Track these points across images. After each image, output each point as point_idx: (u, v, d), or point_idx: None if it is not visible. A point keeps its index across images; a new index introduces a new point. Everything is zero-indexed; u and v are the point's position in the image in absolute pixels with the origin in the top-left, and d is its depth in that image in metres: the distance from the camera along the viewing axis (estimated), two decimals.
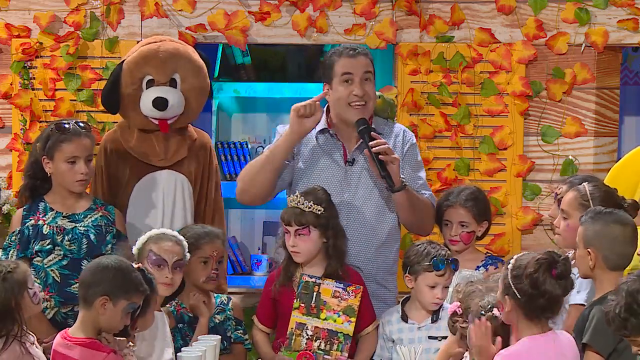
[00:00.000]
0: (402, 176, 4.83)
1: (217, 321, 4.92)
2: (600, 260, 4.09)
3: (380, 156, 4.76)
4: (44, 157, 4.93)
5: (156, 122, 5.23)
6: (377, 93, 5.20)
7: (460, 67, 5.89)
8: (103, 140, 5.41)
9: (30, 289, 4.08)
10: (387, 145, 4.79)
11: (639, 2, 5.86)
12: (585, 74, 5.91)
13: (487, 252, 5.40)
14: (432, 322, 4.71)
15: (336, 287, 4.70)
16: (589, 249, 4.12)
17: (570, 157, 5.93)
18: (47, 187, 4.99)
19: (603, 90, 5.94)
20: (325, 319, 4.69)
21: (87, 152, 4.93)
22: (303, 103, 4.85)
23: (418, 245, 4.77)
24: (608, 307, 3.71)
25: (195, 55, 5.35)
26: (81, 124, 4.97)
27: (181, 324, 4.83)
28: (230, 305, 5.00)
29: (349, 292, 4.70)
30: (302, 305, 4.69)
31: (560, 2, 5.91)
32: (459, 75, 5.90)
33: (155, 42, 5.32)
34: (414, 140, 5.11)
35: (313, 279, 4.71)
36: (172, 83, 5.26)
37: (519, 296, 3.76)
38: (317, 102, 4.88)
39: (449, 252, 4.77)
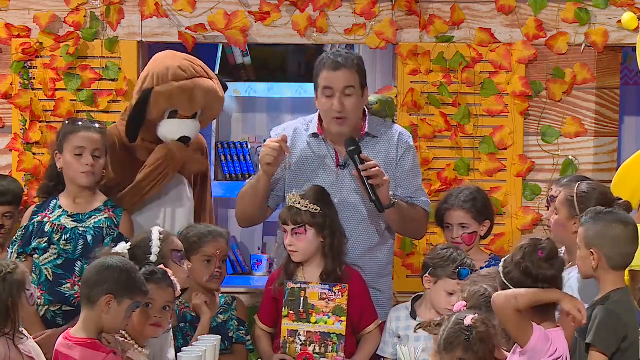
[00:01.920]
0: (391, 193, 4.83)
1: (220, 321, 4.92)
2: (603, 260, 4.09)
3: (370, 180, 4.77)
4: (56, 152, 4.93)
5: None
6: (375, 97, 5.19)
7: (460, 67, 5.88)
8: (109, 131, 5.22)
9: (28, 290, 4.09)
10: (377, 168, 4.78)
11: (639, 2, 5.86)
12: (585, 74, 5.91)
13: (491, 253, 5.40)
14: None
15: (322, 289, 4.71)
16: (592, 250, 4.11)
17: (570, 157, 5.92)
18: (60, 189, 5.00)
19: (603, 90, 5.94)
20: (316, 322, 4.70)
21: (94, 145, 4.90)
22: (270, 152, 4.80)
23: (444, 249, 4.77)
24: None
25: (220, 89, 5.26)
26: (96, 123, 4.98)
27: (183, 323, 4.83)
28: (234, 305, 5.00)
29: (335, 292, 4.71)
30: (291, 312, 4.71)
31: (560, 2, 5.90)
32: (459, 75, 5.89)
33: (188, 77, 5.13)
34: (411, 143, 5.11)
35: (298, 285, 4.72)
36: (193, 114, 5.20)
37: None
38: (282, 147, 4.82)
39: (473, 262, 4.77)
